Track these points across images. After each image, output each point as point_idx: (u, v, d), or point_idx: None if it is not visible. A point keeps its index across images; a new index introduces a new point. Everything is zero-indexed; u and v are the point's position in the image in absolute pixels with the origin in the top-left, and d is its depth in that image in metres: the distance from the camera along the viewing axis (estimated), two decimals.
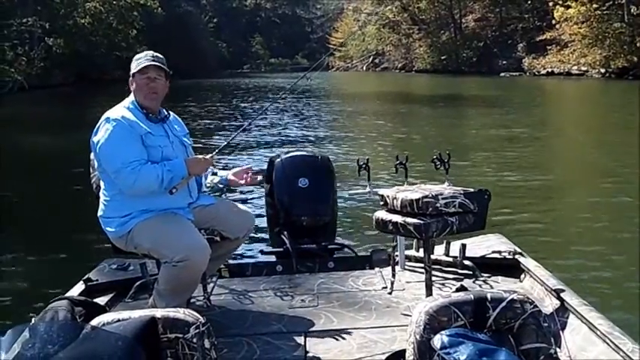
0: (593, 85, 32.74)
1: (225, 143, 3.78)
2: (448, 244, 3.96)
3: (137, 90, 3.35)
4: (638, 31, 35.56)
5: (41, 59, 38.13)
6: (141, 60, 3.34)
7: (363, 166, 4.00)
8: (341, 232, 5.04)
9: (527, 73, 42.06)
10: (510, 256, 3.80)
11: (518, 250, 3.86)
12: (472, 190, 3.48)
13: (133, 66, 3.36)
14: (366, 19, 59.79)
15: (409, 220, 3.36)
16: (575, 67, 38.72)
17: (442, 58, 50.07)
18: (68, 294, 3.46)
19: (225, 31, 76.37)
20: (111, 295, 3.70)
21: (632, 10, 35.17)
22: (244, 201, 4.23)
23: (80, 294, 3.50)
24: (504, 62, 45.59)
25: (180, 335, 1.95)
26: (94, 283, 3.76)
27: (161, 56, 3.41)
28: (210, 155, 3.48)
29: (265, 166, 4.44)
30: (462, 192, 3.41)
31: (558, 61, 40.45)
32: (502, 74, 42.55)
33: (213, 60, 65.19)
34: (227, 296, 3.78)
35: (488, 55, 47.85)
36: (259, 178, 3.72)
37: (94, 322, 1.98)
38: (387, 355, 2.41)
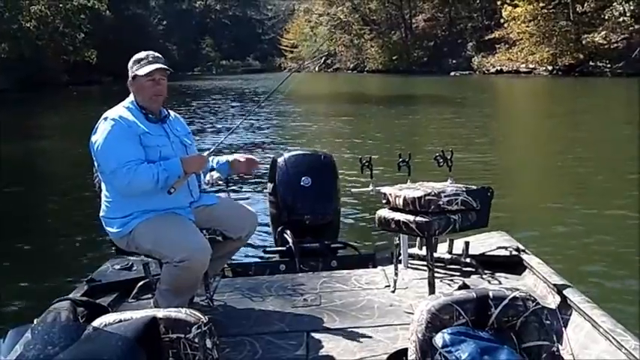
0: (543, 82, 33.46)
1: (220, 142, 3.78)
2: (451, 241, 3.95)
3: (140, 91, 3.34)
4: (584, 29, 36.58)
5: None
6: (143, 62, 3.32)
7: (366, 164, 3.99)
8: (344, 230, 5.02)
9: (477, 72, 42.73)
10: (513, 254, 3.80)
11: (522, 247, 3.86)
12: (475, 187, 3.47)
13: (134, 67, 3.33)
14: (317, 20, 59.95)
15: (412, 218, 3.35)
16: (524, 65, 39.56)
17: (393, 58, 50.62)
18: (71, 294, 3.44)
19: (174, 33, 75.40)
20: (114, 296, 3.66)
21: (577, 9, 36.11)
22: (247, 200, 4.21)
23: (83, 294, 3.47)
24: (454, 61, 46.26)
25: (182, 335, 1.94)
26: (97, 283, 3.72)
27: (161, 56, 3.42)
28: (207, 153, 3.48)
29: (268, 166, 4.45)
30: (464, 189, 3.40)
31: (507, 60, 41.23)
32: (452, 73, 43.08)
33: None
34: (230, 296, 3.76)
35: (439, 54, 48.55)
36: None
37: (96, 322, 1.96)
38: (389, 353, 2.41)
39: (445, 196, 3.33)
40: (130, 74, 3.34)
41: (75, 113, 23.76)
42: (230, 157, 3.66)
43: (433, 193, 3.33)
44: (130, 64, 3.35)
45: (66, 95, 33.48)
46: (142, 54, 3.38)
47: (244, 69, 73.58)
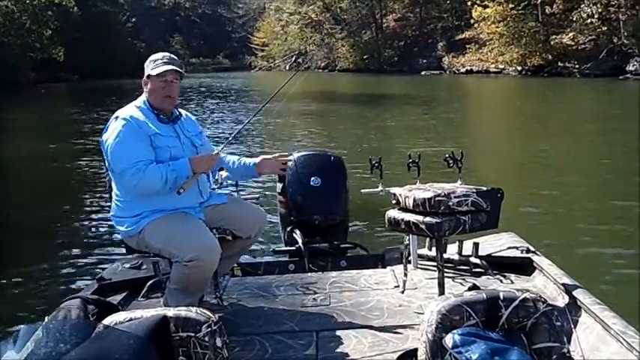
0: (514, 82, 33.84)
1: (229, 140, 3.76)
2: (461, 242, 3.95)
3: (152, 92, 3.34)
4: (552, 30, 37.16)
5: None
6: (158, 62, 3.33)
7: (376, 164, 4.00)
8: (353, 230, 5.02)
9: (448, 72, 43.16)
10: (523, 255, 3.82)
11: (532, 248, 3.87)
12: (485, 188, 3.46)
13: (149, 67, 3.34)
14: (288, 18, 59.89)
15: (421, 218, 3.35)
16: (493, 65, 40.08)
17: (364, 57, 50.88)
18: (81, 293, 3.44)
19: (143, 30, 74.27)
20: (124, 294, 3.66)
21: (546, 10, 36.66)
22: (256, 199, 4.20)
23: (93, 293, 3.47)
24: (425, 61, 46.68)
25: (192, 334, 1.95)
26: (108, 281, 3.71)
27: (176, 58, 3.42)
28: (216, 152, 3.47)
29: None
30: (474, 190, 3.40)
31: (477, 60, 41.74)
32: (423, 73, 43.45)
33: (132, 60, 63.14)
34: (239, 295, 3.76)
35: (409, 54, 48.92)
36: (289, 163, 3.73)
37: (107, 321, 1.98)
38: (398, 354, 2.40)
39: (455, 197, 3.33)
40: (145, 73, 3.34)
41: (52, 111, 23.42)
42: (256, 160, 3.58)
43: (443, 194, 3.34)
44: (146, 63, 3.35)
45: (34, 93, 32.83)
46: (158, 54, 3.39)
47: (214, 67, 73.05)
